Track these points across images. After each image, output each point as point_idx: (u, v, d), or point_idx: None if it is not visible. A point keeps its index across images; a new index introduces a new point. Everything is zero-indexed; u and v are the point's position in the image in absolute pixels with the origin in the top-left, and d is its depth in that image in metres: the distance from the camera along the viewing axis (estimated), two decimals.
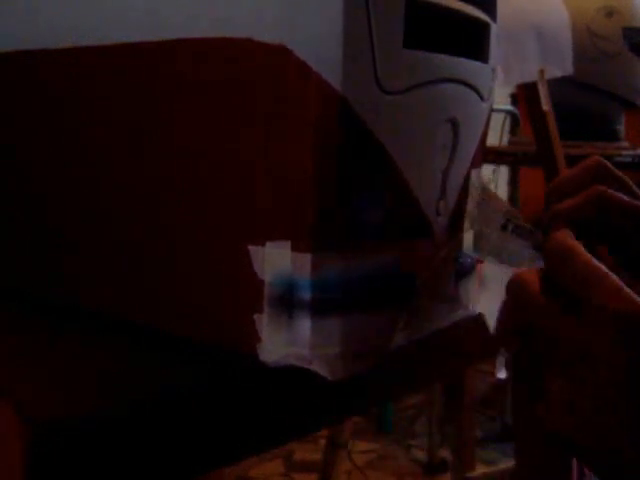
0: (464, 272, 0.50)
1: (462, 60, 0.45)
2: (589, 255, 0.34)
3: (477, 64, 0.47)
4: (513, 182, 2.70)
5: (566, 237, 0.35)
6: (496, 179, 2.34)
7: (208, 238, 0.42)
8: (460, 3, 0.44)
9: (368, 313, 0.41)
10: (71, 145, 0.47)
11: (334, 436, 1.65)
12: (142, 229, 0.45)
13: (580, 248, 0.35)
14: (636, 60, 1.69)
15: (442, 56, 0.43)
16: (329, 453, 1.66)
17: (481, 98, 0.48)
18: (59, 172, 0.48)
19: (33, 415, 0.33)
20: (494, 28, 0.48)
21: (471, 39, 0.46)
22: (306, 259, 0.38)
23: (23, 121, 0.49)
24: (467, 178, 0.48)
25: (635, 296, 0.32)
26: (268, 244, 0.39)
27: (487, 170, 2.28)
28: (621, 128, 1.78)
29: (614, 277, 0.33)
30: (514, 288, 0.36)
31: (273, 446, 0.44)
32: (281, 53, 0.37)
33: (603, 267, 0.33)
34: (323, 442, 1.72)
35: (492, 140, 2.12)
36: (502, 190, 2.60)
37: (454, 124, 0.45)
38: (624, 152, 1.72)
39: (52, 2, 0.45)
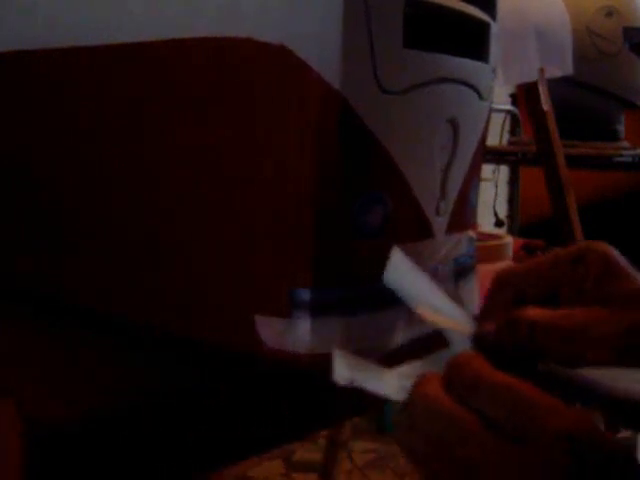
0: (463, 272, 0.50)
1: (462, 60, 0.45)
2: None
3: (477, 64, 0.47)
4: (513, 182, 2.70)
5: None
6: (496, 179, 2.34)
7: (209, 238, 0.42)
8: (460, 3, 0.44)
9: (368, 314, 0.41)
10: (71, 145, 0.47)
11: (334, 436, 1.65)
12: (143, 230, 0.45)
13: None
14: (636, 60, 1.69)
15: (442, 56, 0.43)
16: (329, 453, 1.66)
17: (481, 98, 0.48)
18: (59, 172, 0.48)
19: (33, 415, 0.33)
20: (494, 28, 0.48)
21: (471, 39, 0.46)
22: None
23: (22, 121, 0.49)
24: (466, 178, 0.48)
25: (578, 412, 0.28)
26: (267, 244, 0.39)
27: (487, 170, 2.28)
28: (621, 128, 1.78)
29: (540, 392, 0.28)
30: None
31: (273, 446, 0.44)
32: (281, 53, 0.37)
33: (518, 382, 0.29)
34: (323, 442, 1.72)
35: (492, 140, 2.12)
36: (502, 190, 2.60)
37: (454, 124, 0.45)
38: (624, 152, 1.72)
39: (52, 2, 0.45)
